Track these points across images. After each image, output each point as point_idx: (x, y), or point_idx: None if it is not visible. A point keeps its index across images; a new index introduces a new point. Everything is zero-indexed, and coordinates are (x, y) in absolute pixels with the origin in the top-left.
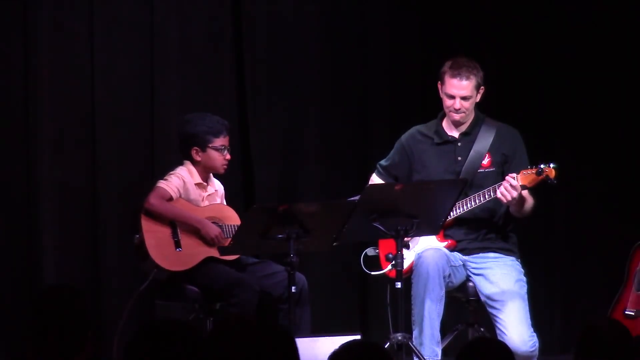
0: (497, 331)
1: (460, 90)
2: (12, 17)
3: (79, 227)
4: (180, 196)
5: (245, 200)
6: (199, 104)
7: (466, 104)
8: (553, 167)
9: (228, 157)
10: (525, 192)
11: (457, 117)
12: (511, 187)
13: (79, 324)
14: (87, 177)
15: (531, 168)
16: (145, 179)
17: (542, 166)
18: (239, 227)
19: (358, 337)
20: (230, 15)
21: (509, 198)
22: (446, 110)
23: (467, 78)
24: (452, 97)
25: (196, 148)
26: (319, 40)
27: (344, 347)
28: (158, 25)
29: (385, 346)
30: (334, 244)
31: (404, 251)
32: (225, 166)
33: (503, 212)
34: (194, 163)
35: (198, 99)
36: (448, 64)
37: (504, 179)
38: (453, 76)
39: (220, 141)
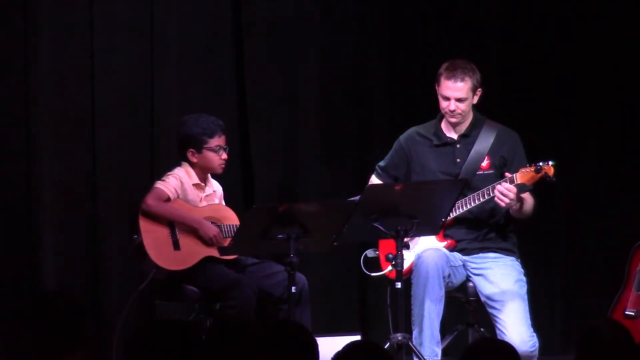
0: (497, 331)
1: (455, 92)
2: (12, 17)
3: (78, 227)
4: (178, 197)
5: (245, 200)
6: (199, 105)
7: (461, 105)
8: (552, 165)
9: (225, 156)
10: (525, 194)
11: (453, 119)
12: (506, 190)
13: (73, 333)
14: (87, 178)
15: (530, 166)
16: (145, 179)
17: (540, 164)
18: (239, 227)
19: (358, 337)
20: (230, 15)
21: (507, 201)
22: (442, 112)
23: (462, 80)
24: (447, 98)
25: (192, 150)
26: (319, 41)
27: (347, 348)
28: (158, 25)
29: (385, 346)
30: (334, 244)
31: (404, 252)
32: (222, 166)
33: (503, 212)
34: (191, 164)
35: (198, 100)
36: (444, 65)
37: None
38: (448, 78)
39: (216, 141)
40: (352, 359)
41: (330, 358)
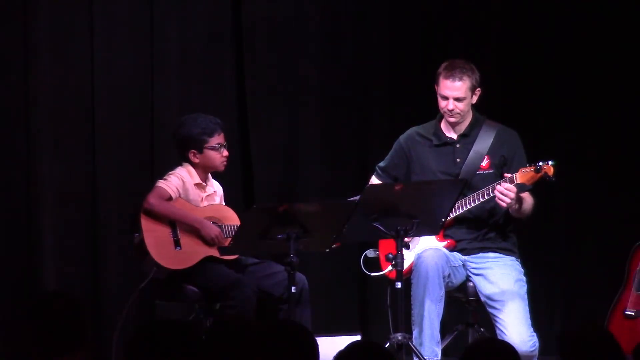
0: (497, 331)
1: (453, 92)
2: (12, 17)
3: (78, 227)
4: (179, 196)
5: (245, 200)
6: (199, 105)
7: (460, 105)
8: (552, 165)
9: (226, 153)
10: (525, 194)
11: (451, 119)
12: (506, 190)
13: (73, 333)
14: (87, 178)
15: (530, 166)
16: (145, 179)
17: (540, 164)
18: (239, 227)
19: (358, 337)
20: (230, 15)
21: (508, 201)
22: (441, 112)
23: (460, 79)
24: (446, 98)
25: (193, 151)
26: (319, 41)
27: (349, 348)
28: (158, 25)
29: (385, 346)
30: (334, 245)
31: (404, 252)
32: (224, 163)
33: (503, 212)
34: (193, 165)
35: (198, 100)
36: (443, 65)
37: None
38: (446, 77)
39: (216, 140)
40: (354, 359)
41: (330, 358)
